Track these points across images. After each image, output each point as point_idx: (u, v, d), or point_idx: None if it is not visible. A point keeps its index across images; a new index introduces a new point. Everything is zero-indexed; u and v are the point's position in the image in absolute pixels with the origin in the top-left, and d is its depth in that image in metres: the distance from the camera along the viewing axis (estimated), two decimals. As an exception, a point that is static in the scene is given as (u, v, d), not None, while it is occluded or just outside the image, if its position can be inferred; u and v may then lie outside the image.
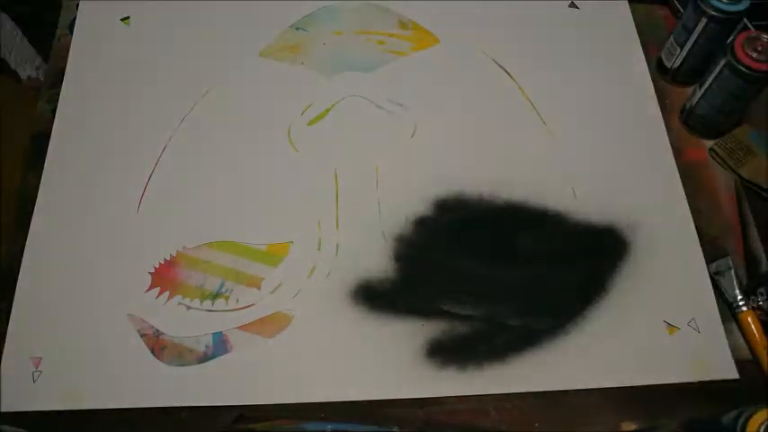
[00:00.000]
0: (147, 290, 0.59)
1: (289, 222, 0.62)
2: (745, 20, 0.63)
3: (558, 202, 0.64)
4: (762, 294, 0.58)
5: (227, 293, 0.59)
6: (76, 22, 0.73)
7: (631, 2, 0.76)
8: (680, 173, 0.65)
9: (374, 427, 0.53)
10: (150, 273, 0.59)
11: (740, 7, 0.62)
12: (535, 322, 0.58)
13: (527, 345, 0.57)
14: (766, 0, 0.66)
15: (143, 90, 0.69)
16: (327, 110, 0.68)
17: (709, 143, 0.68)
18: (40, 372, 0.55)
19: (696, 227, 0.63)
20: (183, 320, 0.58)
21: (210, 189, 0.64)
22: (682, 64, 0.69)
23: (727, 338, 0.58)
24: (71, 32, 0.73)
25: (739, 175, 0.66)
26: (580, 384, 0.56)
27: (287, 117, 0.68)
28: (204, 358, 0.56)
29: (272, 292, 0.59)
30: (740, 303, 0.58)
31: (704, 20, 0.63)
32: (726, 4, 0.62)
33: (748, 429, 0.44)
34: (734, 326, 0.59)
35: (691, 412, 0.54)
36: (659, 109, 0.69)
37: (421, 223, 0.62)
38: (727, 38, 0.63)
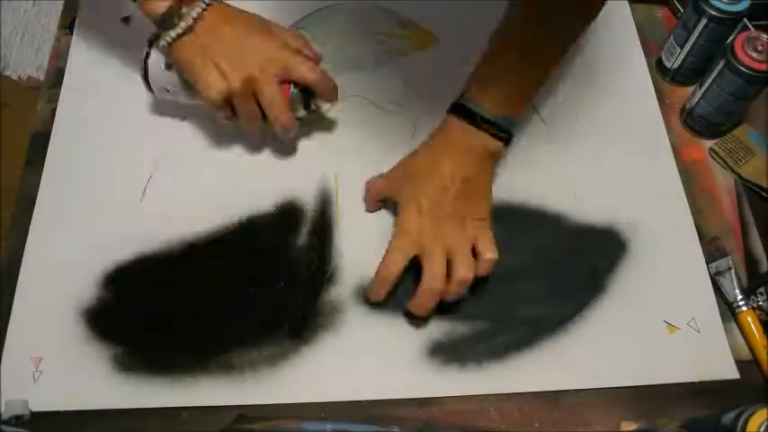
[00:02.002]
0: (147, 290, 0.59)
1: (289, 222, 0.62)
2: (745, 20, 0.63)
3: (559, 202, 0.64)
4: (762, 294, 0.58)
5: (227, 293, 0.59)
6: (76, 22, 0.73)
7: (631, 2, 0.76)
8: (680, 173, 0.65)
9: (374, 427, 0.53)
10: (150, 273, 0.59)
11: (740, 7, 0.62)
12: (535, 322, 0.58)
13: (527, 344, 0.57)
14: (766, 0, 0.66)
15: (143, 90, 0.69)
16: (327, 110, 0.68)
17: (710, 143, 0.68)
18: (41, 372, 0.55)
19: (696, 227, 0.63)
20: (183, 320, 0.58)
21: (210, 189, 0.64)
22: (682, 64, 0.69)
23: (727, 338, 0.58)
24: (71, 32, 0.73)
25: (739, 175, 0.66)
26: (580, 384, 0.56)
27: (287, 117, 0.68)
28: (204, 358, 0.56)
29: (272, 292, 0.59)
30: (740, 303, 0.58)
31: (704, 20, 0.63)
32: (726, 4, 0.62)
33: (748, 429, 0.44)
34: (734, 326, 0.59)
35: (691, 412, 0.54)
36: (659, 109, 0.69)
37: (421, 223, 0.62)
38: (727, 38, 0.63)
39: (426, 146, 0.59)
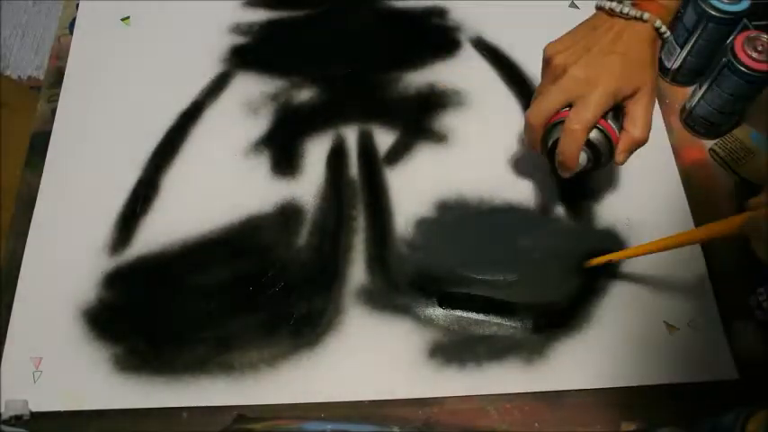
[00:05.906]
0: (147, 290, 0.59)
1: (289, 222, 0.62)
2: (745, 20, 0.63)
3: (559, 202, 0.64)
4: (762, 294, 0.58)
5: (227, 293, 0.59)
6: (76, 22, 0.73)
7: (631, 2, 0.76)
8: (680, 173, 0.65)
9: (374, 427, 0.53)
10: (150, 273, 0.59)
11: (740, 7, 0.62)
12: (536, 322, 0.58)
13: (527, 345, 0.57)
14: (766, 0, 0.66)
15: (143, 90, 0.69)
16: (327, 110, 0.68)
17: (710, 143, 0.68)
18: (41, 372, 0.55)
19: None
20: (183, 320, 0.58)
21: (209, 190, 0.64)
22: (682, 64, 0.69)
23: (727, 339, 0.58)
24: (71, 32, 0.73)
25: (739, 175, 0.66)
26: (580, 384, 0.56)
27: (287, 117, 0.68)
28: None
29: (272, 292, 0.59)
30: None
31: (704, 20, 0.63)
32: (726, 4, 0.62)
33: (748, 429, 0.44)
34: (734, 326, 0.59)
35: (691, 412, 0.54)
36: (659, 109, 0.69)
37: (421, 223, 0.62)
38: (727, 38, 0.63)
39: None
